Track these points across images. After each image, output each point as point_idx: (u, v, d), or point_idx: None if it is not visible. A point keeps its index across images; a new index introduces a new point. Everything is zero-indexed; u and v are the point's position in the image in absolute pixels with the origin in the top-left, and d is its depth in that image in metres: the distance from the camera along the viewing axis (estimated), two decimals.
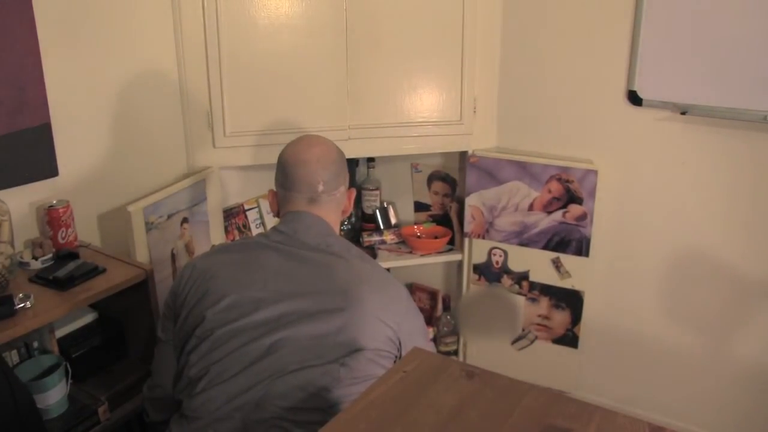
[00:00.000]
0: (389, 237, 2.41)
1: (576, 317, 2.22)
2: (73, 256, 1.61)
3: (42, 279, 1.51)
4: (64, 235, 1.65)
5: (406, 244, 2.41)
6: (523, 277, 2.28)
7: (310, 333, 1.22)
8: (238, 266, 1.31)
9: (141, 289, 1.60)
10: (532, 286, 2.27)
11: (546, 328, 2.28)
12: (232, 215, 2.20)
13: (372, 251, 2.37)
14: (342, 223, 1.81)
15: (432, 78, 2.13)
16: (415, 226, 2.48)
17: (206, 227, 2.05)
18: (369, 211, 2.46)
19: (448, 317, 2.49)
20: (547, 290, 2.25)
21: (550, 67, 2.13)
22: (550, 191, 2.15)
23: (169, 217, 1.86)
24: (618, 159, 2.09)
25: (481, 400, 0.86)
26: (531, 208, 2.19)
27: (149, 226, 1.77)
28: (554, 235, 2.18)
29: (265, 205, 2.30)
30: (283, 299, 1.25)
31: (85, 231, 1.78)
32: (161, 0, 1.91)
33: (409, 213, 2.54)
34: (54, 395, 1.47)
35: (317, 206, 1.38)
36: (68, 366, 1.50)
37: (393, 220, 2.47)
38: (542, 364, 2.29)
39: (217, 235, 2.09)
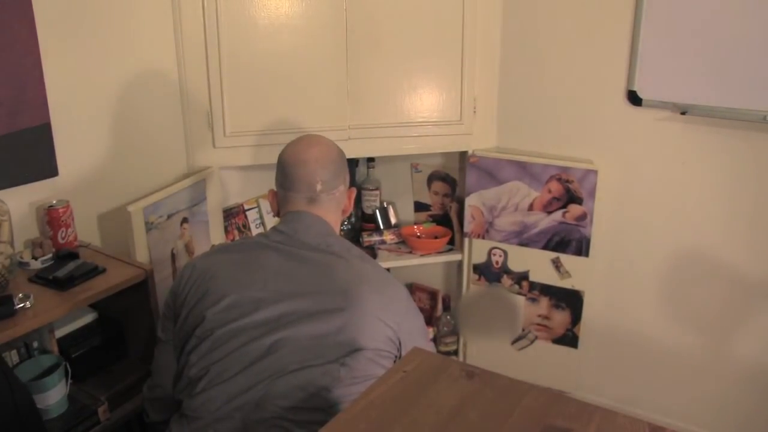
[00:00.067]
0: (389, 237, 2.41)
1: (576, 317, 2.22)
2: (73, 256, 1.61)
3: (42, 279, 1.51)
4: (64, 235, 1.65)
5: (406, 244, 2.41)
6: (523, 277, 2.28)
7: (310, 333, 1.22)
8: (238, 266, 1.31)
9: (141, 289, 1.60)
10: (532, 286, 2.27)
11: (546, 328, 2.28)
12: (232, 215, 2.20)
13: (372, 251, 2.37)
14: (342, 223, 1.81)
15: (432, 78, 2.13)
16: (415, 226, 2.48)
17: (206, 227, 2.05)
18: (369, 211, 2.46)
19: (448, 317, 2.49)
20: (547, 290, 2.25)
21: (549, 67, 2.13)
22: (550, 191, 2.15)
23: (169, 217, 1.86)
24: (618, 159, 2.09)
25: (481, 400, 0.86)
26: (531, 208, 2.19)
27: (149, 226, 1.77)
28: (554, 235, 2.18)
29: (265, 205, 2.30)
30: (283, 299, 1.25)
31: (85, 231, 1.78)
32: (161, 0, 1.91)
33: (409, 213, 2.54)
34: (54, 395, 1.47)
35: (317, 206, 1.38)
36: (68, 366, 1.50)
37: (393, 220, 2.47)
38: (542, 364, 2.29)
39: (217, 235, 2.09)
